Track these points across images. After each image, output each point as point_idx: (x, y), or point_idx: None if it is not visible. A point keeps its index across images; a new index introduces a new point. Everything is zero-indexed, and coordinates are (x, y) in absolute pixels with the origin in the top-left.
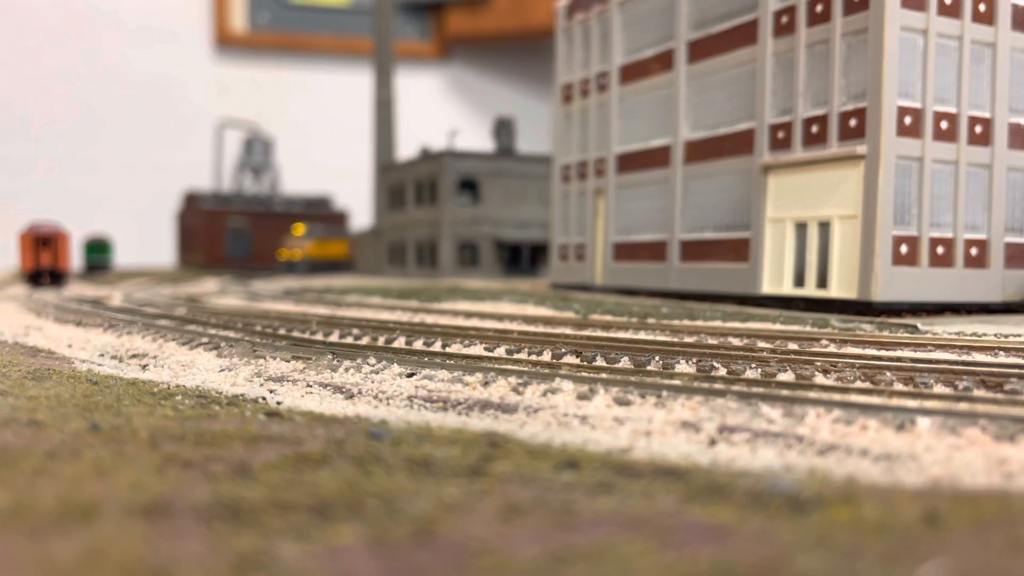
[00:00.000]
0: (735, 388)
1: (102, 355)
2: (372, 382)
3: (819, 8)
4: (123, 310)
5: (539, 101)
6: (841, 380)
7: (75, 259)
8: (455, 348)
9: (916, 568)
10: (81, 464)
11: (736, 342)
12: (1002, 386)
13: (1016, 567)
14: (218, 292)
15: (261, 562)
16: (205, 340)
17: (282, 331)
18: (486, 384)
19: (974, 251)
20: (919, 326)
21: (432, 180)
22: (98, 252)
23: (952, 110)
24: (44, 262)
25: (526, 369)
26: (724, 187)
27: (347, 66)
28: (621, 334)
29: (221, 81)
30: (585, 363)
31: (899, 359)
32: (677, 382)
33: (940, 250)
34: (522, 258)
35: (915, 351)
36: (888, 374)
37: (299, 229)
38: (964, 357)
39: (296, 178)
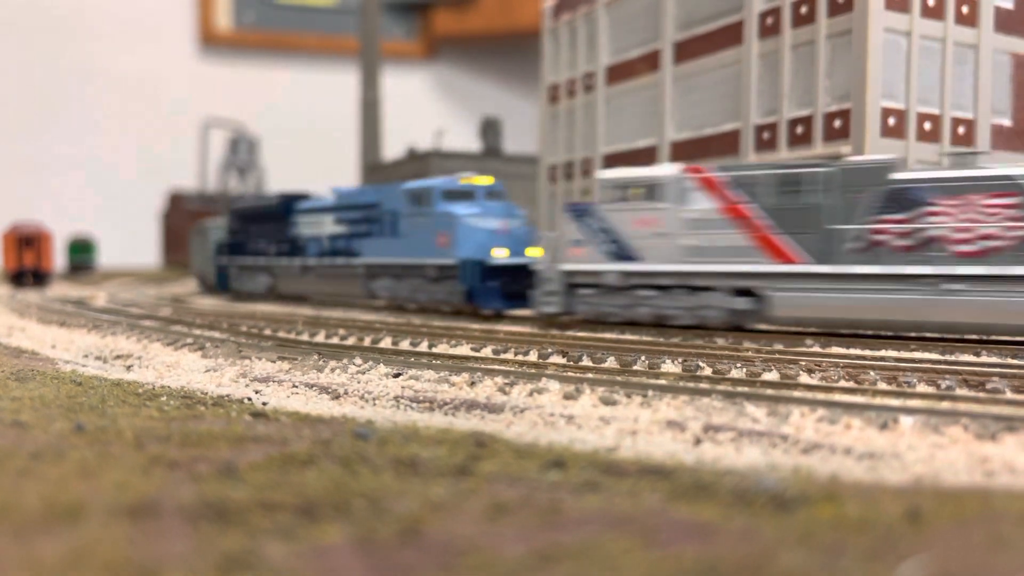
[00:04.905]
0: (720, 388)
1: (86, 356)
2: (358, 382)
3: (804, 9)
4: (107, 311)
5: (526, 101)
6: (825, 379)
7: (58, 259)
8: (442, 348)
9: (898, 565)
10: (66, 465)
11: (721, 341)
12: (984, 385)
13: (997, 563)
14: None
15: (247, 562)
16: (190, 341)
17: (268, 331)
18: (473, 384)
19: None
20: None
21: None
22: (82, 252)
23: (935, 111)
24: (27, 262)
25: (513, 369)
26: None
27: (333, 66)
28: (607, 334)
29: (206, 80)
30: (571, 363)
31: (883, 358)
32: (663, 382)
33: None
34: None
35: (899, 351)
36: (872, 373)
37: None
38: (947, 356)
39: (281, 178)
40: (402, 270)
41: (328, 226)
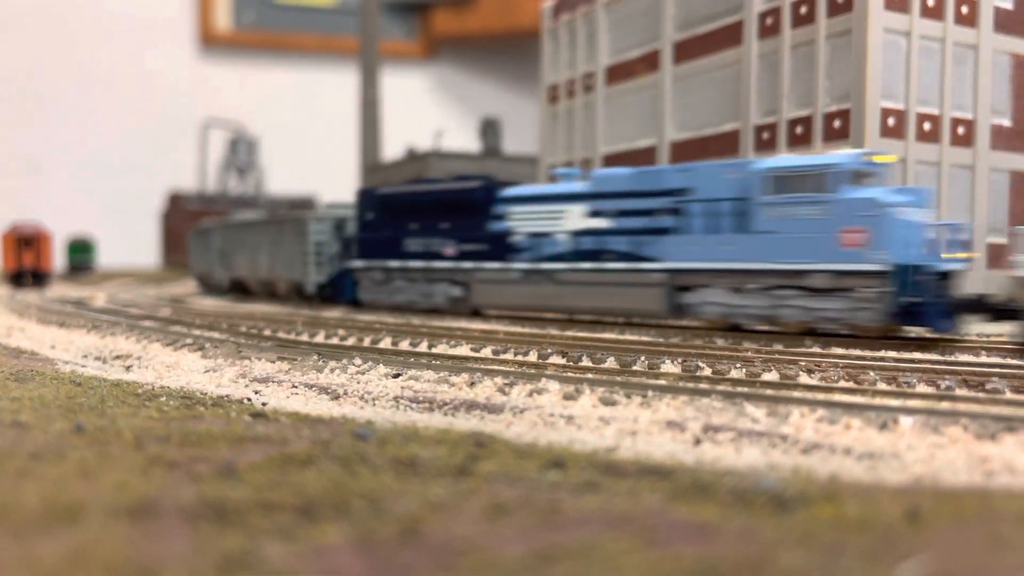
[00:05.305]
0: (720, 388)
1: (86, 356)
2: (358, 383)
3: (803, 10)
4: (107, 311)
5: (525, 101)
6: (825, 380)
7: (58, 260)
8: (441, 348)
9: (897, 565)
10: (65, 465)
11: (721, 341)
12: (983, 385)
13: (996, 563)
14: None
15: (247, 562)
16: (190, 341)
17: (267, 332)
18: (472, 384)
19: None
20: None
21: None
22: (81, 253)
23: (935, 111)
24: (26, 263)
25: (512, 369)
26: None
27: (333, 66)
28: (607, 334)
29: (206, 81)
30: (571, 363)
31: (882, 358)
32: (662, 382)
33: None
34: None
35: (898, 351)
36: (872, 373)
37: None
38: (947, 357)
39: (281, 178)
40: (746, 278)
41: (574, 219)
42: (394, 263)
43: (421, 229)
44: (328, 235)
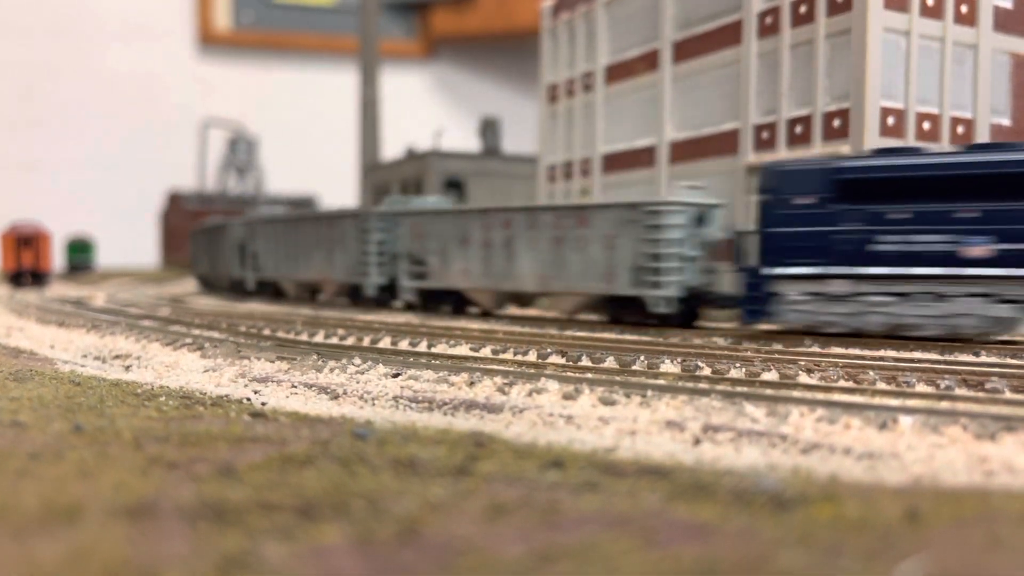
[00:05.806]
0: (719, 387)
1: (85, 356)
2: (357, 383)
3: (803, 9)
4: (106, 311)
5: (525, 100)
6: (825, 379)
7: (57, 259)
8: (440, 348)
9: (896, 565)
10: (64, 465)
11: (721, 341)
12: (983, 385)
13: (995, 563)
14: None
15: (246, 562)
16: (189, 341)
17: (267, 331)
18: (472, 384)
19: None
20: None
21: (418, 180)
22: (80, 252)
23: (935, 111)
24: (26, 262)
25: (512, 369)
26: (709, 188)
27: (332, 65)
28: (607, 334)
29: (205, 80)
30: (571, 363)
31: (882, 358)
32: (662, 382)
33: None
34: None
35: (898, 351)
36: (871, 373)
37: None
38: (946, 356)
39: (281, 178)
40: None
41: None
42: (869, 270)
43: (914, 221)
44: (686, 232)
